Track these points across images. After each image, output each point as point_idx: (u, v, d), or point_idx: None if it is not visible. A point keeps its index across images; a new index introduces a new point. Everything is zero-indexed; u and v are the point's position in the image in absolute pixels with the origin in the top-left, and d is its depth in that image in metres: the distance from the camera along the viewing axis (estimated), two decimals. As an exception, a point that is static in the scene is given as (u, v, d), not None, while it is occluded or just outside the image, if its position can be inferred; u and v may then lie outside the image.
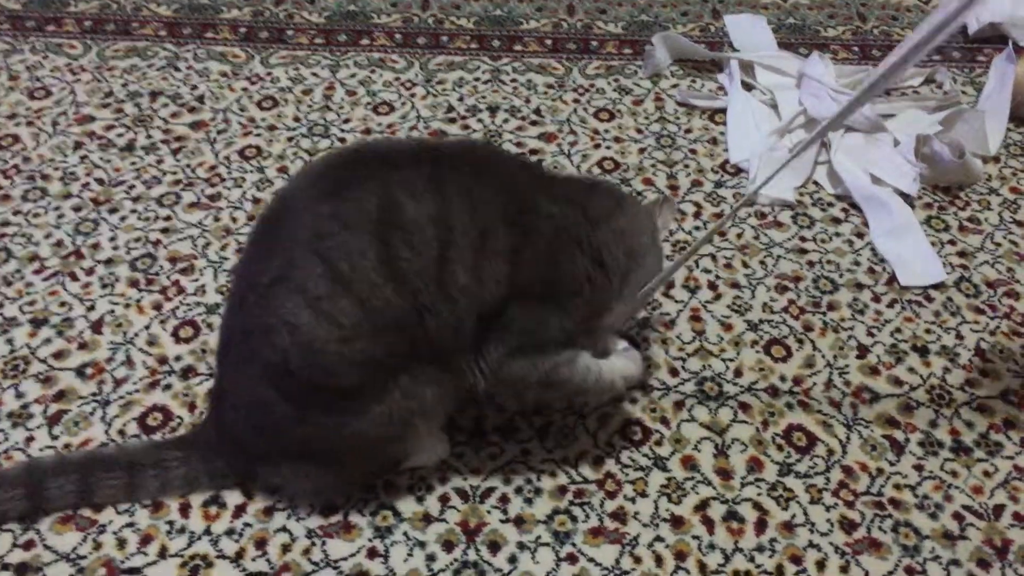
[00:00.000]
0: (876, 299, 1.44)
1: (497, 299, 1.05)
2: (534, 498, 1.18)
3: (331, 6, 2.01)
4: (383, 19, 1.99)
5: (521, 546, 1.14)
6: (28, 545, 1.11)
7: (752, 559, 1.13)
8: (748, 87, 1.79)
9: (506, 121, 1.73)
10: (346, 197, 1.01)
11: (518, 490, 1.19)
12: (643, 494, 1.19)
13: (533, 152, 1.67)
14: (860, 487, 1.20)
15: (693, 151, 1.69)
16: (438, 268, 1.01)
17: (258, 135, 1.68)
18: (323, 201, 1.02)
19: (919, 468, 1.23)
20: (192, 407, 1.26)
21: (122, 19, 1.95)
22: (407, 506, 1.17)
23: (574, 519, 1.16)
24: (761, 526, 1.16)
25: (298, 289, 0.99)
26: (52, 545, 1.12)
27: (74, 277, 1.42)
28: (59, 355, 1.32)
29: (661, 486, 1.20)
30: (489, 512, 1.17)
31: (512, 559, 1.12)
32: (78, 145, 1.65)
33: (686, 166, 1.66)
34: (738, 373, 1.33)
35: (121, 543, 1.12)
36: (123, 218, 1.52)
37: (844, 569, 1.12)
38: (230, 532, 1.14)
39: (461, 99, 1.78)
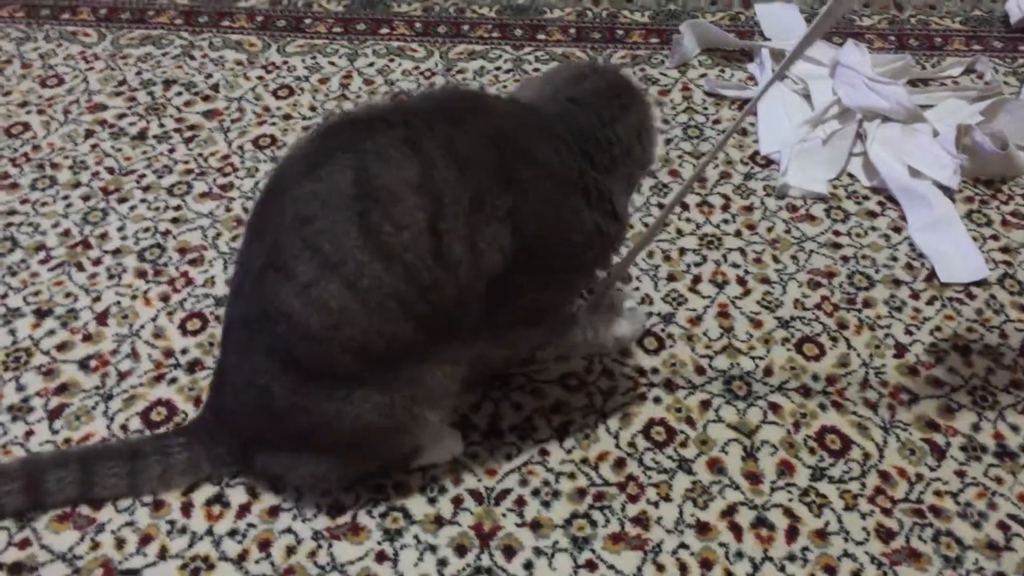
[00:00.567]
0: (915, 296, 1.37)
1: (502, 268, 0.98)
2: (552, 501, 1.12)
3: (350, -6, 1.97)
4: (403, 8, 1.94)
5: (537, 551, 1.08)
6: (24, 544, 1.07)
7: (783, 568, 1.07)
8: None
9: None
10: (322, 174, 0.94)
11: (535, 492, 1.13)
12: (667, 498, 1.13)
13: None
14: (898, 494, 1.13)
15: (722, 142, 1.62)
16: (431, 240, 0.93)
17: (273, 124, 1.64)
18: (303, 180, 0.95)
19: (961, 474, 1.16)
20: (198, 402, 1.21)
21: (138, 7, 1.92)
22: (418, 507, 1.11)
23: (594, 524, 1.10)
24: (792, 534, 1.10)
25: (287, 276, 0.94)
26: (48, 544, 1.07)
27: (80, 267, 1.38)
28: (63, 347, 1.28)
29: (686, 490, 1.14)
30: (504, 515, 1.11)
31: (528, 565, 1.07)
32: (89, 133, 1.62)
33: (714, 157, 1.59)
34: (768, 372, 1.27)
35: (120, 543, 1.08)
36: (132, 207, 1.48)
37: (881, 580, 1.06)
38: (233, 533, 1.09)
39: (482, 88, 1.73)
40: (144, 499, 1.11)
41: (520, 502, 1.12)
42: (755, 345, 1.30)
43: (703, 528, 1.10)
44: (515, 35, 1.87)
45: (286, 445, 1.05)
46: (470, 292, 0.97)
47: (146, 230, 1.44)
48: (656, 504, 1.12)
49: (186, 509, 1.11)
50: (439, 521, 1.10)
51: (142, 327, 1.30)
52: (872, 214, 1.50)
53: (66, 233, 1.44)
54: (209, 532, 1.09)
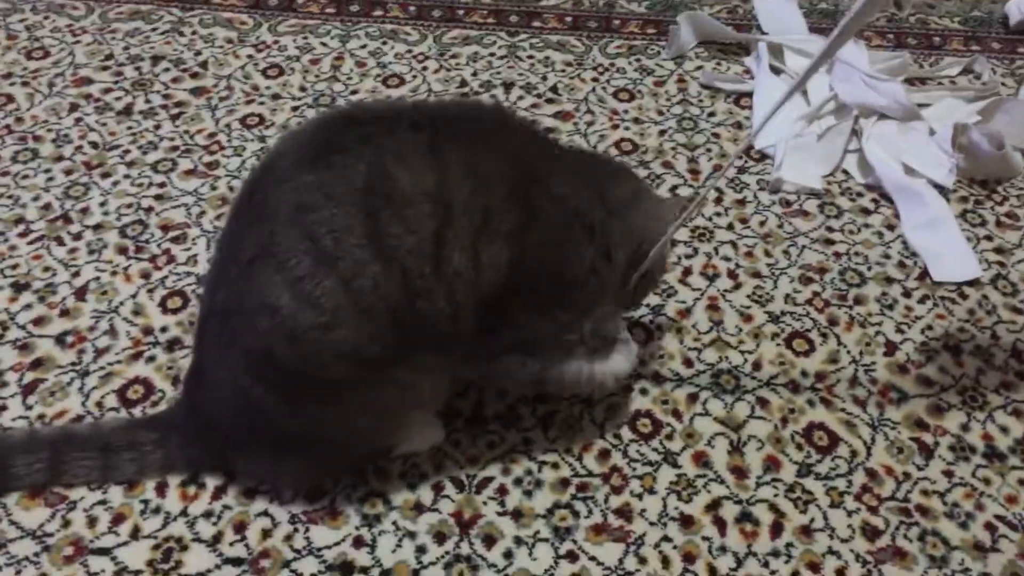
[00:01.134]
0: (906, 294, 1.35)
1: (496, 287, 0.95)
2: (534, 490, 1.11)
3: (344, -24, 1.94)
4: (398, -10, 1.91)
5: (518, 541, 1.06)
6: (-7, 520, 1.05)
7: (766, 564, 1.05)
8: (776, 71, 1.71)
9: (521, 98, 1.65)
10: (332, 165, 0.90)
11: (517, 481, 1.11)
12: (651, 490, 1.11)
13: (548, 131, 1.59)
14: (885, 492, 1.12)
15: (716, 135, 1.61)
16: (433, 248, 0.90)
17: (261, 103, 1.61)
18: (308, 169, 0.91)
19: (949, 474, 1.14)
20: (176, 380, 1.18)
21: (128, -18, 1.89)
22: (398, 494, 1.09)
23: (576, 514, 1.08)
24: (777, 529, 1.08)
25: (279, 268, 0.89)
26: (18, 520, 1.05)
27: (60, 242, 1.36)
28: (39, 321, 1.25)
29: (670, 483, 1.12)
30: (485, 503, 1.09)
31: (508, 554, 1.05)
32: (74, 107, 1.59)
33: (708, 150, 1.57)
34: (757, 366, 1.25)
35: (92, 521, 1.05)
36: (115, 183, 1.45)
37: (865, 579, 1.04)
38: (208, 514, 1.07)
39: (475, 74, 1.70)
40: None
41: (502, 490, 1.10)
42: (744, 339, 1.28)
43: (687, 521, 1.08)
44: (510, 21, 1.84)
45: (266, 447, 1.01)
46: (462, 309, 0.94)
47: (129, 206, 1.42)
48: (640, 496, 1.10)
49: (160, 489, 1.08)
50: (419, 508, 1.08)
51: (121, 304, 1.28)
52: (866, 211, 1.48)
53: (47, 207, 1.41)
54: (184, 513, 1.06)
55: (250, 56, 1.72)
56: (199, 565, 1.03)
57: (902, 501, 1.11)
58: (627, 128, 1.61)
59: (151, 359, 1.21)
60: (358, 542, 1.05)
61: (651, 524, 1.08)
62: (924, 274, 1.38)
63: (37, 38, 1.73)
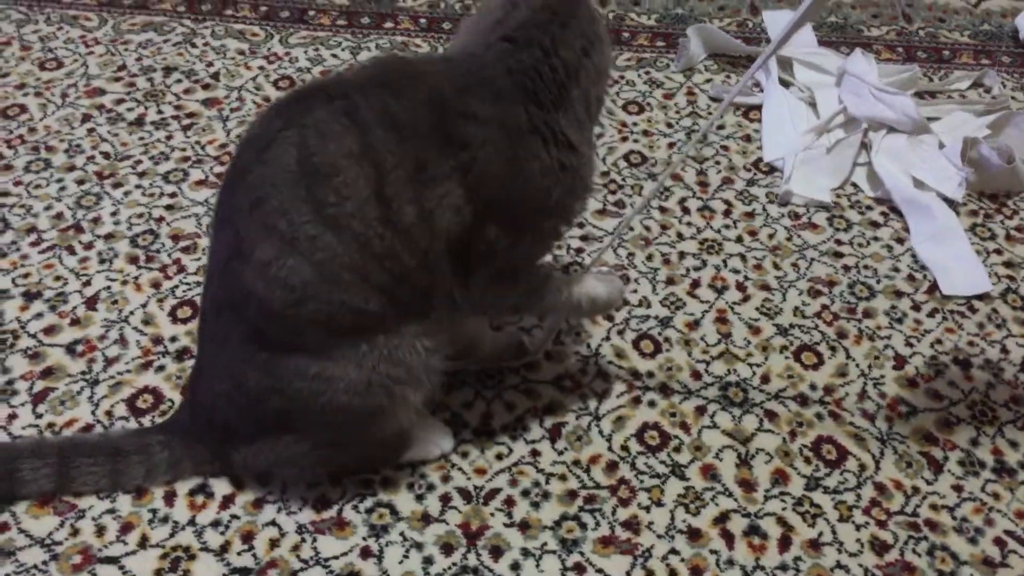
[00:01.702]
0: (916, 307, 1.35)
1: (461, 227, 0.96)
2: (541, 502, 1.10)
3: (355, -12, 1.95)
4: (408, 3, 1.92)
5: (525, 552, 1.06)
6: (2, 527, 1.05)
7: (774, 578, 1.05)
8: (785, 84, 1.71)
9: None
10: (266, 159, 0.94)
11: (525, 493, 1.11)
12: (659, 503, 1.11)
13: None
14: (894, 506, 1.12)
15: (725, 148, 1.61)
16: (378, 207, 0.92)
17: (272, 114, 1.62)
18: (254, 162, 0.95)
19: (958, 489, 1.14)
20: (185, 390, 1.19)
21: (141, -7, 1.90)
22: (406, 504, 1.09)
23: (583, 526, 1.08)
24: (785, 543, 1.08)
25: (247, 259, 0.94)
26: (27, 529, 1.05)
27: (72, 251, 1.36)
28: (50, 330, 1.26)
29: (678, 495, 1.12)
30: (493, 515, 1.09)
31: (515, 566, 1.05)
32: (86, 118, 1.60)
33: (717, 163, 1.58)
34: (765, 379, 1.25)
35: (100, 530, 1.05)
36: (127, 193, 1.46)
37: (874, 594, 1.04)
38: (216, 524, 1.07)
39: (417, 54, 1.70)
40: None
41: (509, 502, 1.10)
42: (753, 352, 1.28)
43: (694, 534, 1.08)
44: (520, 34, 1.85)
45: (263, 433, 1.03)
46: (432, 256, 0.96)
47: (140, 216, 1.42)
48: (648, 509, 1.10)
49: (169, 498, 1.09)
50: (426, 518, 1.08)
51: (131, 313, 1.28)
52: (875, 224, 1.48)
53: (59, 216, 1.42)
54: (192, 522, 1.07)
55: (261, 67, 1.73)
56: (207, 574, 1.02)
57: (911, 515, 1.11)
58: (636, 140, 1.61)
59: (160, 368, 1.22)
60: (365, 552, 1.05)
61: (659, 537, 1.08)
62: (933, 287, 1.38)
63: (51, 49, 1.74)
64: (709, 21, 1.89)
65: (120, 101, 1.64)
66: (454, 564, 1.04)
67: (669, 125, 1.65)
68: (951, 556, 1.07)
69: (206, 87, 1.67)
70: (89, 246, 1.37)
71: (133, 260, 1.35)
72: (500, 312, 1.21)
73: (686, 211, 1.48)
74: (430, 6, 1.92)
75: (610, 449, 1.16)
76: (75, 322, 1.27)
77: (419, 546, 1.06)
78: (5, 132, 1.56)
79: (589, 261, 1.25)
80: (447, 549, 1.06)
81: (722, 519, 1.10)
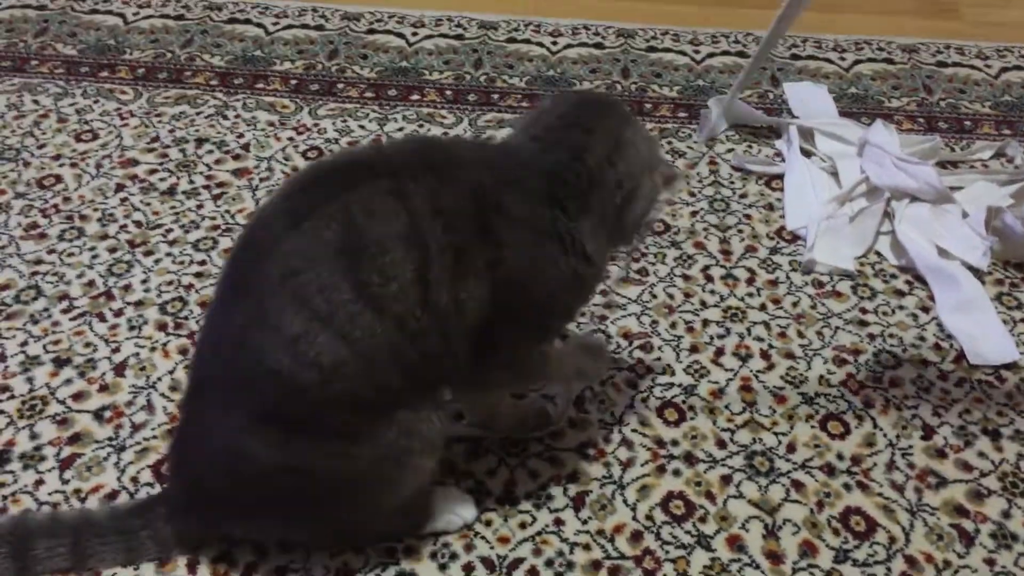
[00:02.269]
0: (943, 377, 1.34)
1: (481, 320, 0.97)
2: (566, 572, 1.09)
3: (383, 62, 2.00)
4: (435, 76, 1.97)
5: (549, 625, 1.05)
6: (26, 594, 1.05)
7: (803, 654, 1.03)
8: (807, 154, 1.73)
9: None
10: (306, 227, 0.92)
11: (548, 563, 1.10)
12: (684, 574, 1.09)
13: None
14: (925, 580, 1.10)
15: (748, 216, 1.62)
16: (419, 291, 0.92)
17: (300, 184, 1.65)
18: (287, 234, 0.92)
19: (991, 563, 1.11)
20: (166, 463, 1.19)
21: (175, 67, 1.96)
22: (428, 573, 1.08)
23: (608, 598, 1.07)
24: (814, 617, 1.06)
25: (274, 331, 0.91)
26: (51, 598, 1.05)
27: (102, 318, 1.38)
28: (78, 396, 1.27)
29: (704, 567, 1.10)
30: (516, 585, 1.08)
31: (539, 639, 1.03)
32: (119, 187, 1.64)
33: (740, 231, 1.59)
34: (791, 448, 1.24)
35: (123, 598, 1.05)
36: (157, 261, 1.49)
37: (907, 671, 1.01)
38: (238, 592, 1.06)
39: (453, 136, 1.73)
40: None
41: (533, 572, 1.09)
42: (778, 420, 1.27)
43: (721, 607, 1.06)
44: (544, 105, 1.88)
45: (275, 513, 1.01)
46: (455, 341, 0.96)
47: (169, 283, 1.45)
48: (673, 580, 1.09)
49: (192, 566, 1.08)
50: (449, 589, 1.07)
51: (159, 379, 1.30)
52: (900, 293, 1.48)
53: (90, 284, 1.44)
54: (214, 590, 1.06)
55: (291, 138, 1.77)
56: (228, 644, 1.02)
57: (943, 590, 1.09)
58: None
59: (186, 435, 1.22)
60: (387, 623, 1.04)
61: (685, 609, 1.06)
62: (960, 357, 1.37)
63: (87, 121, 1.79)
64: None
65: (153, 171, 1.67)
66: (477, 636, 1.03)
67: (692, 194, 1.66)
68: (985, 632, 1.05)
69: (236, 157, 1.71)
70: (119, 313, 1.39)
71: (162, 327, 1.37)
72: (490, 390, 1.19)
73: (709, 279, 1.49)
74: (456, 79, 1.96)
75: (635, 518, 1.15)
76: (103, 388, 1.28)
77: (442, 617, 1.05)
78: (41, 201, 1.60)
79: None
80: (470, 620, 1.05)
81: (749, 592, 1.08)
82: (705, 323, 1.41)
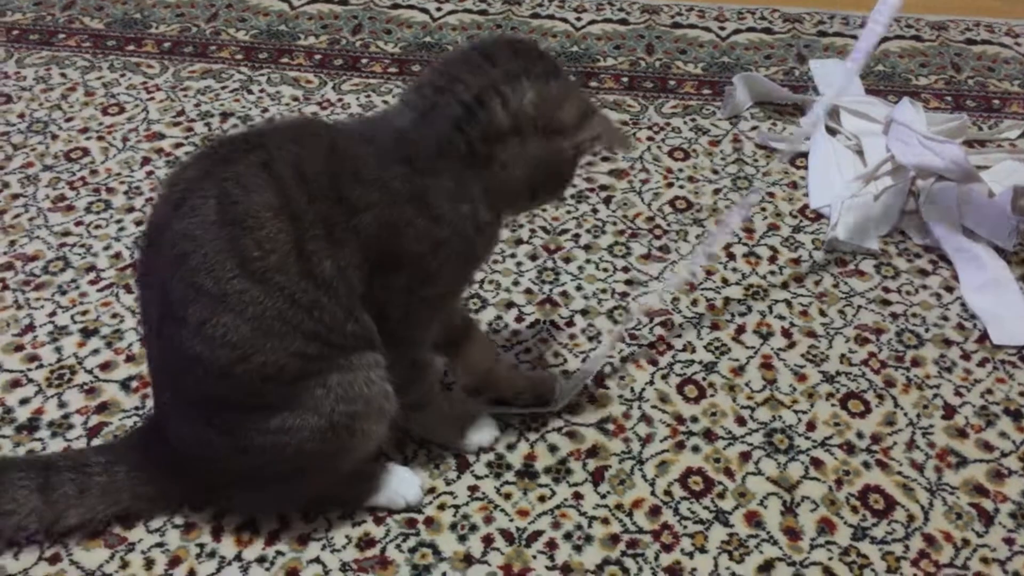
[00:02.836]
0: (965, 357, 1.34)
1: (365, 283, 0.96)
2: (584, 545, 1.10)
3: (407, 37, 2.00)
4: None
5: (567, 596, 1.06)
6: (54, 559, 1.07)
7: (820, 629, 1.03)
8: (832, 132, 1.72)
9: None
10: (186, 211, 0.92)
11: (567, 536, 1.11)
12: (702, 549, 1.10)
13: (603, 188, 1.61)
14: (943, 558, 1.10)
15: (771, 194, 1.61)
16: (300, 262, 0.92)
17: (324, 159, 1.66)
18: (173, 217, 0.93)
19: (1010, 542, 1.11)
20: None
21: (201, 42, 1.97)
22: (448, 544, 1.10)
23: (626, 571, 1.08)
24: (831, 593, 1.07)
25: (182, 321, 0.92)
26: (78, 561, 1.07)
27: (129, 289, 1.40)
28: (106, 366, 1.29)
29: (722, 542, 1.11)
30: (535, 557, 1.09)
31: (556, 610, 1.05)
32: (146, 161, 1.65)
33: (763, 209, 1.58)
34: (811, 427, 1.24)
35: (149, 563, 1.07)
36: (183, 234, 1.50)
37: (923, 648, 1.02)
38: (261, 560, 1.08)
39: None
40: (175, 520, 1.11)
41: (551, 545, 1.10)
42: (798, 399, 1.27)
43: (738, 582, 1.07)
44: (568, 82, 1.87)
45: (246, 483, 1.06)
46: (354, 309, 0.97)
47: (195, 256, 1.46)
48: (691, 555, 1.09)
49: (216, 533, 1.10)
50: (468, 559, 1.08)
51: (184, 350, 1.31)
52: (923, 272, 1.47)
53: (117, 256, 1.46)
54: (238, 557, 1.08)
55: (315, 113, 1.77)
56: (251, 610, 1.04)
57: (961, 568, 1.09)
58: (681, 186, 1.62)
59: (211, 405, 1.24)
60: (407, 592, 1.06)
61: (702, 584, 1.07)
62: (984, 337, 1.36)
63: (113, 95, 1.81)
64: (755, 69, 1.90)
65: (178, 145, 1.69)
66: (496, 606, 1.05)
67: (715, 172, 1.66)
68: (1003, 611, 1.05)
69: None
70: (145, 285, 1.41)
71: (187, 299, 1.39)
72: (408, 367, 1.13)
73: (731, 257, 1.49)
74: (479, 54, 1.95)
75: (653, 494, 1.16)
76: (130, 359, 1.30)
77: (461, 587, 1.06)
78: (68, 174, 1.62)
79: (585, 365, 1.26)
80: (489, 591, 1.06)
81: (766, 567, 1.08)
82: (727, 301, 1.41)
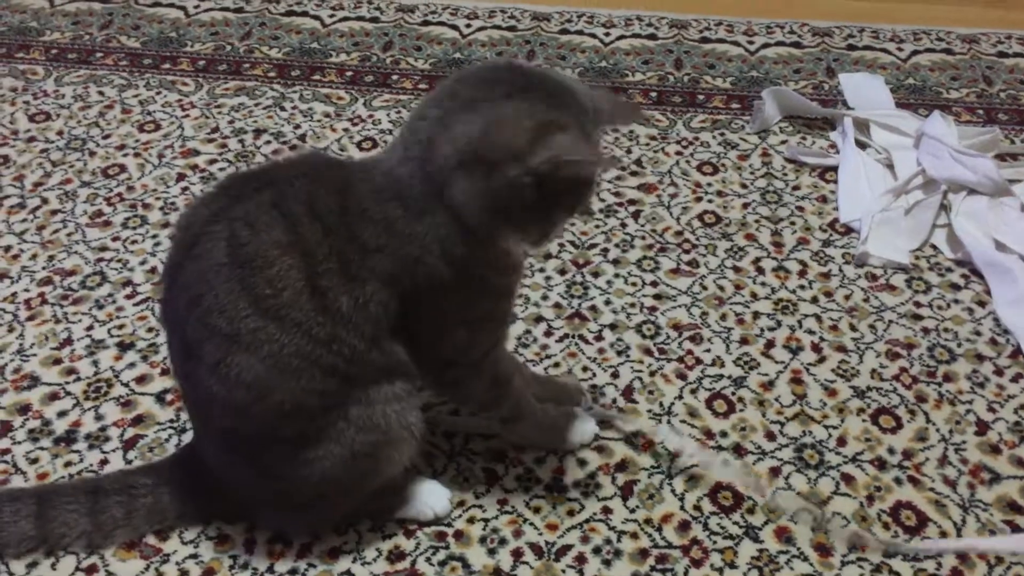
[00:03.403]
0: (999, 372, 1.32)
1: (396, 318, 0.96)
2: (613, 560, 1.10)
3: (437, 53, 2.02)
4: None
5: (596, 611, 1.06)
6: (91, 569, 1.09)
7: (851, 646, 1.03)
8: (862, 146, 1.71)
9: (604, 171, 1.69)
10: (198, 251, 0.93)
11: (596, 550, 1.11)
12: (732, 565, 1.10)
13: (631, 203, 1.61)
14: (976, 576, 1.09)
15: (800, 208, 1.61)
16: (312, 298, 0.92)
17: (355, 174, 1.68)
18: (186, 259, 0.95)
19: (1045, 560, 1.11)
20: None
21: (234, 60, 2.00)
22: (477, 558, 1.10)
23: (655, 586, 1.08)
24: (862, 610, 1.06)
25: (199, 361, 0.94)
26: (114, 571, 1.09)
27: (164, 304, 1.42)
28: (141, 379, 1.31)
29: (752, 558, 1.11)
30: (564, 571, 1.09)
31: (586, 624, 1.05)
32: (181, 177, 1.68)
33: (792, 223, 1.58)
34: (841, 442, 1.23)
35: (183, 574, 1.09)
36: (216, 249, 1.52)
37: (956, 666, 1.01)
38: (293, 572, 1.09)
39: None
40: (209, 532, 1.13)
41: (580, 559, 1.10)
42: (829, 414, 1.27)
43: (768, 598, 1.07)
44: (596, 97, 1.88)
45: (277, 508, 1.09)
46: (378, 343, 0.96)
47: (228, 271, 1.48)
48: (720, 571, 1.09)
49: (249, 545, 1.12)
50: (498, 573, 1.09)
51: (218, 364, 1.33)
52: (955, 287, 1.46)
53: (152, 271, 1.48)
54: (270, 569, 1.09)
55: (346, 129, 1.80)
56: (283, 622, 1.05)
57: (994, 586, 1.08)
58: (710, 201, 1.62)
59: (244, 418, 1.26)
60: (437, 605, 1.06)
61: (731, 599, 1.07)
62: (1017, 352, 1.35)
63: (150, 112, 1.84)
64: (784, 84, 1.90)
65: (213, 161, 1.71)
66: (525, 620, 1.05)
67: (744, 186, 1.66)
68: (1037, 630, 1.04)
69: (293, 148, 1.74)
70: (180, 299, 1.43)
71: (221, 313, 1.41)
72: (473, 404, 1.18)
73: (760, 271, 1.49)
74: (509, 70, 1.97)
75: (682, 508, 1.16)
76: (165, 372, 1.32)
77: (490, 600, 1.07)
78: (105, 190, 1.65)
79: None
80: (518, 604, 1.06)
81: (797, 583, 1.08)
82: (756, 315, 1.41)
